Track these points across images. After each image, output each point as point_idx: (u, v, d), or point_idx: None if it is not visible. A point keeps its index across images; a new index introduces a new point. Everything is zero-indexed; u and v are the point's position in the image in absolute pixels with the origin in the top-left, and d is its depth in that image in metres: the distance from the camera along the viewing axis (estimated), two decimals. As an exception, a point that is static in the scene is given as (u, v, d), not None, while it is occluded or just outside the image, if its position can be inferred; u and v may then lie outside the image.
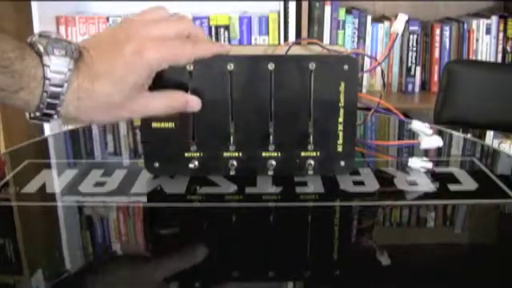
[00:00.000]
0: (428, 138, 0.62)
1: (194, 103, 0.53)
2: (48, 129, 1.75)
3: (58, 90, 0.45)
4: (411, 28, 1.77)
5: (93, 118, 0.48)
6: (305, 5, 1.71)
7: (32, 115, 0.47)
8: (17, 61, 0.43)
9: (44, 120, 0.47)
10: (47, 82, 0.44)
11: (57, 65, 0.44)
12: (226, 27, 1.74)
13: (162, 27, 0.51)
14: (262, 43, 1.73)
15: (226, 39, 1.73)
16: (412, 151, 0.68)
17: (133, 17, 0.53)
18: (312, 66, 0.54)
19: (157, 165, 0.59)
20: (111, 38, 0.49)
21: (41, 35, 0.46)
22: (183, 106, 0.53)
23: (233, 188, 0.57)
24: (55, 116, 0.46)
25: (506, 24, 1.76)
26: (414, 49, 1.79)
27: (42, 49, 0.45)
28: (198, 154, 0.58)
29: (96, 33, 0.54)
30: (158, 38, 0.49)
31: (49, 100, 0.45)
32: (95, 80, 0.46)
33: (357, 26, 1.77)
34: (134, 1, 1.76)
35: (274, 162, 0.57)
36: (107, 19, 1.74)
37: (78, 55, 0.46)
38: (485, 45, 1.78)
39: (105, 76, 0.46)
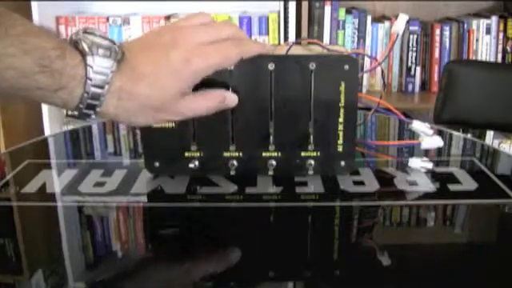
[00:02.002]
0: (428, 138, 0.62)
1: (231, 100, 0.53)
2: (48, 129, 1.75)
3: (99, 91, 0.44)
4: (411, 28, 1.77)
5: (131, 119, 0.48)
6: (305, 5, 1.71)
7: (69, 113, 0.46)
8: (57, 59, 0.42)
9: (81, 118, 0.46)
10: (89, 82, 0.43)
11: (100, 66, 0.44)
12: (226, 27, 1.74)
13: (207, 32, 0.50)
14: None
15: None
16: (412, 151, 0.68)
17: (177, 22, 0.52)
18: (312, 65, 0.54)
19: (157, 164, 0.59)
20: (157, 42, 0.49)
21: (86, 32, 0.45)
22: (222, 105, 0.52)
23: (233, 188, 0.57)
24: (93, 116, 0.46)
25: (506, 24, 1.76)
26: (414, 49, 1.79)
27: (86, 48, 0.44)
28: (198, 154, 0.58)
29: (141, 36, 0.53)
30: (204, 44, 0.49)
31: (89, 101, 0.44)
32: (138, 82, 0.46)
33: (357, 25, 1.77)
34: (134, 1, 1.77)
35: (274, 162, 0.57)
36: (107, 19, 1.74)
37: (121, 56, 0.45)
38: (485, 45, 1.78)
39: (147, 79, 0.46)
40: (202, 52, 0.48)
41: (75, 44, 0.44)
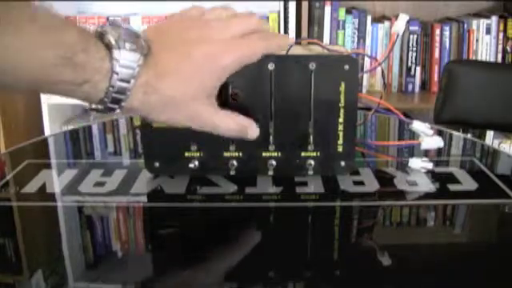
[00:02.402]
0: (429, 138, 0.62)
1: (253, 131, 0.53)
2: (48, 129, 1.75)
3: (125, 85, 0.43)
4: (411, 28, 1.77)
5: (154, 114, 0.47)
6: (305, 5, 1.71)
7: (92, 106, 0.46)
8: (81, 53, 0.41)
9: (105, 112, 0.46)
10: (115, 76, 0.43)
11: (126, 59, 0.43)
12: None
13: (233, 26, 0.50)
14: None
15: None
16: (412, 151, 0.68)
17: (200, 14, 0.51)
18: (312, 65, 0.54)
19: (157, 164, 0.59)
20: (182, 36, 0.48)
21: (111, 24, 0.44)
22: (243, 133, 0.52)
23: (233, 188, 0.57)
24: (117, 110, 0.45)
25: (506, 24, 1.76)
26: (414, 49, 1.79)
27: (113, 41, 0.43)
28: (198, 154, 0.58)
29: (162, 24, 0.52)
30: (231, 38, 0.48)
31: (114, 95, 0.43)
32: (164, 77, 0.45)
33: (357, 25, 1.77)
34: (134, 1, 1.77)
35: (274, 162, 0.57)
36: (107, 19, 1.74)
37: (147, 50, 0.44)
38: (485, 45, 1.78)
39: (173, 75, 0.46)
40: (229, 47, 0.48)
41: (101, 37, 0.44)
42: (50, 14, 0.42)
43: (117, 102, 0.44)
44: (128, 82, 0.43)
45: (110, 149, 0.75)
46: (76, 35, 0.42)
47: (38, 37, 0.40)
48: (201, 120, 0.49)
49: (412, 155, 0.66)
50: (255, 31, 0.50)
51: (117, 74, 0.43)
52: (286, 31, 1.71)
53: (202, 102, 0.48)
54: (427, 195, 0.57)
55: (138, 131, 0.78)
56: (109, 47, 0.43)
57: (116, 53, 0.43)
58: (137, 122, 0.83)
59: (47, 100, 1.74)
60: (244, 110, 0.53)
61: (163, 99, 0.46)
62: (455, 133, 0.79)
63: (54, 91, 0.43)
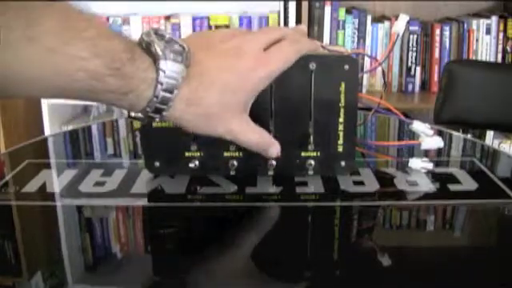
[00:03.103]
0: (429, 138, 0.62)
1: (274, 150, 0.53)
2: (48, 129, 1.75)
3: (169, 95, 0.44)
4: (411, 28, 1.77)
5: (194, 124, 0.48)
6: (305, 5, 1.71)
7: (133, 115, 0.46)
8: (128, 62, 0.42)
9: (144, 121, 0.47)
10: (159, 86, 0.43)
11: (171, 71, 0.43)
12: (226, 27, 1.74)
13: (264, 37, 0.51)
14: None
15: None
16: (412, 151, 0.68)
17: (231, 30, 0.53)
18: (312, 65, 0.54)
19: (157, 164, 0.59)
20: (222, 49, 0.49)
21: (156, 33, 0.44)
22: (265, 150, 0.53)
23: (233, 188, 0.57)
24: (157, 119, 0.46)
25: (506, 24, 1.76)
26: (414, 49, 1.79)
27: (159, 52, 0.43)
28: (198, 154, 0.58)
29: (200, 35, 0.53)
30: (265, 48, 0.49)
31: (157, 105, 0.44)
32: (208, 88, 0.46)
33: (357, 25, 1.77)
34: (134, 1, 1.77)
35: (274, 162, 0.57)
36: (107, 19, 1.74)
37: (189, 62, 0.45)
38: (485, 45, 1.78)
39: (218, 86, 0.46)
40: (265, 60, 0.49)
41: (147, 46, 0.44)
42: (100, 24, 0.42)
43: (158, 111, 0.45)
44: (171, 92, 0.44)
45: (110, 151, 0.75)
46: (123, 46, 0.42)
47: (88, 48, 0.40)
48: (237, 134, 0.50)
49: (412, 155, 0.66)
50: (283, 38, 0.51)
51: (161, 84, 0.43)
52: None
53: (241, 115, 0.49)
54: (427, 195, 0.57)
55: (137, 133, 0.78)
56: (155, 57, 0.43)
57: (163, 63, 0.43)
58: (136, 125, 0.83)
59: (47, 100, 1.74)
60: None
61: (205, 111, 0.46)
62: (455, 133, 0.79)
63: (100, 99, 0.43)
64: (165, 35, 0.45)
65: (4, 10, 0.37)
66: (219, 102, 0.47)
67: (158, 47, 0.43)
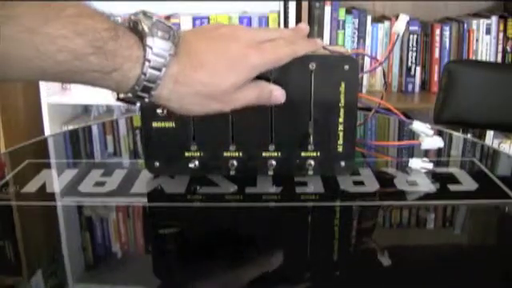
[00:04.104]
0: (429, 138, 0.62)
1: (278, 94, 0.53)
2: (48, 129, 1.75)
3: (157, 73, 0.43)
4: (411, 28, 1.77)
5: (183, 105, 0.47)
6: (305, 5, 1.71)
7: (121, 96, 0.46)
8: (110, 40, 0.41)
9: (133, 102, 0.46)
10: (147, 63, 0.43)
11: (159, 48, 0.43)
12: (226, 27, 1.74)
13: (261, 31, 0.51)
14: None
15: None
16: (412, 152, 0.68)
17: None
18: (312, 66, 0.54)
19: (157, 164, 0.59)
20: (215, 33, 0.49)
21: (145, 14, 0.44)
22: (269, 97, 0.52)
23: (233, 188, 0.57)
24: (146, 99, 0.45)
25: (506, 24, 1.76)
26: (414, 49, 1.79)
27: (146, 29, 0.43)
28: (198, 154, 0.58)
29: (197, 27, 0.54)
30: (262, 41, 0.49)
31: (145, 83, 0.43)
32: (197, 69, 0.46)
33: (357, 26, 1.77)
34: (133, 1, 1.76)
35: (274, 162, 0.57)
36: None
37: (178, 40, 0.45)
38: (485, 45, 1.78)
39: (207, 67, 0.46)
40: (259, 48, 0.49)
41: (134, 24, 0.44)
42: (80, 4, 0.42)
43: (147, 90, 0.44)
44: (159, 70, 0.43)
45: (110, 149, 0.75)
46: (105, 24, 0.42)
47: (68, 27, 0.40)
48: (231, 103, 0.49)
49: (412, 155, 0.66)
50: (282, 37, 0.52)
51: (149, 61, 0.43)
52: (286, 31, 1.70)
53: (231, 93, 0.48)
54: (427, 195, 0.57)
55: (137, 132, 0.78)
56: (142, 35, 0.43)
57: (150, 40, 0.43)
58: (136, 123, 0.83)
59: (47, 100, 1.74)
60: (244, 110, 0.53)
61: (194, 90, 0.46)
62: (455, 133, 0.79)
63: (85, 81, 0.43)
64: (152, 16, 0.44)
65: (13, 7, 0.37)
66: (209, 83, 0.46)
67: (144, 25, 0.43)
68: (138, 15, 0.44)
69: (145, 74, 0.43)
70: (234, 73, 0.47)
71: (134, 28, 0.44)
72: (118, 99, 0.47)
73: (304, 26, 0.57)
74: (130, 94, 0.45)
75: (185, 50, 0.45)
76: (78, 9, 0.41)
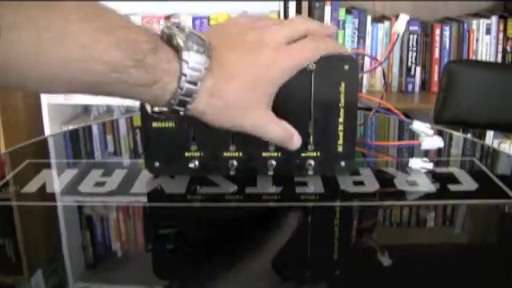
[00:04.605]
0: (429, 138, 0.62)
1: (295, 141, 0.53)
2: (48, 129, 1.75)
3: (193, 87, 0.43)
4: (411, 28, 1.77)
5: (218, 118, 0.47)
6: (305, 5, 1.71)
7: (157, 109, 0.46)
8: (150, 53, 0.41)
9: (169, 114, 0.46)
10: (183, 78, 0.43)
11: (195, 62, 0.43)
12: (226, 27, 1.74)
13: (287, 29, 0.50)
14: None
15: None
16: (412, 151, 0.68)
17: (250, 22, 0.52)
18: (312, 66, 0.54)
19: (157, 164, 0.59)
20: (243, 41, 0.48)
21: (177, 27, 0.44)
22: (288, 141, 0.53)
23: (233, 188, 0.57)
24: (182, 113, 0.45)
25: (506, 24, 1.76)
26: (414, 49, 1.79)
27: (181, 43, 0.43)
28: (198, 154, 0.58)
29: (218, 27, 0.53)
30: (288, 41, 0.49)
31: (181, 97, 0.43)
32: (229, 81, 0.45)
33: (357, 26, 1.77)
34: (134, 1, 1.77)
35: (274, 162, 0.57)
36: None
37: (211, 53, 0.45)
38: (485, 45, 1.78)
39: (239, 78, 0.46)
40: (288, 52, 0.49)
41: (168, 38, 0.44)
42: (119, 16, 0.42)
43: (183, 104, 0.44)
44: (195, 84, 0.43)
45: (110, 149, 0.75)
46: (145, 37, 0.42)
47: (108, 39, 0.39)
48: (260, 127, 0.50)
49: (412, 155, 0.66)
50: (308, 32, 0.51)
51: (185, 75, 0.43)
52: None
53: (264, 108, 0.49)
54: (427, 195, 0.57)
55: (137, 131, 0.78)
56: (177, 49, 0.43)
57: (185, 54, 0.43)
58: (136, 123, 0.83)
59: (47, 100, 1.74)
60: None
61: (227, 104, 0.46)
62: (455, 133, 0.79)
63: (123, 94, 0.43)
64: (185, 28, 0.44)
65: (39, 9, 0.36)
66: (240, 95, 0.46)
67: (179, 39, 0.43)
68: (172, 29, 0.44)
69: (181, 89, 0.43)
70: (265, 82, 0.47)
71: (169, 42, 0.44)
72: (153, 112, 0.47)
73: (333, 27, 0.57)
74: (165, 108, 0.45)
75: (217, 61, 0.45)
76: (120, 21, 0.41)
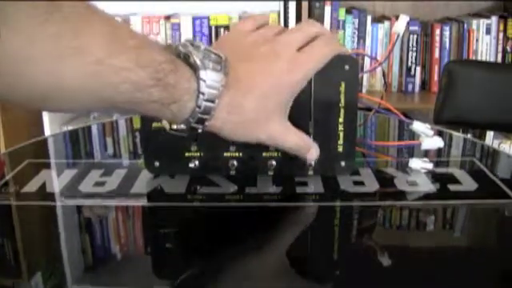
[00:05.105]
0: (429, 138, 0.62)
1: (313, 153, 0.54)
2: (48, 129, 1.75)
3: (211, 105, 0.44)
4: (411, 28, 1.77)
5: (235, 133, 0.48)
6: (305, 5, 1.71)
7: (175, 127, 0.47)
8: (170, 73, 0.41)
9: (185, 133, 0.46)
10: (201, 96, 0.43)
11: (212, 80, 0.43)
12: (226, 27, 1.74)
13: (298, 36, 0.51)
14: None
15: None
16: (412, 152, 0.68)
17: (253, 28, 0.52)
18: (312, 66, 0.54)
19: (157, 164, 0.59)
20: (255, 53, 0.49)
21: (192, 44, 0.44)
22: (305, 152, 0.53)
23: (233, 188, 0.57)
24: (200, 130, 0.45)
25: (506, 24, 1.76)
26: (414, 49, 1.79)
27: (198, 62, 0.43)
28: (198, 154, 0.58)
29: (227, 39, 0.53)
30: (297, 51, 0.49)
31: (200, 115, 0.44)
32: (246, 94, 0.46)
33: (357, 26, 1.77)
34: (134, 1, 1.77)
35: (274, 162, 0.57)
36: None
37: (228, 70, 0.45)
38: (485, 45, 1.78)
39: (255, 92, 0.46)
40: (300, 61, 0.49)
41: (185, 56, 0.44)
42: (139, 34, 0.42)
43: (201, 121, 0.44)
44: (213, 101, 0.44)
45: (110, 149, 0.75)
46: (165, 56, 0.42)
47: (132, 58, 0.39)
48: (277, 138, 0.50)
49: (412, 155, 0.66)
50: (317, 36, 0.52)
51: (203, 94, 0.43)
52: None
53: (280, 118, 0.49)
54: (427, 195, 0.57)
55: (137, 134, 0.78)
56: (194, 67, 0.43)
57: (202, 73, 0.43)
58: (136, 124, 0.83)
59: (47, 100, 1.73)
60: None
61: (244, 118, 0.46)
62: (455, 133, 0.79)
63: (141, 112, 0.43)
64: (200, 46, 0.44)
65: (52, 19, 0.36)
66: (257, 108, 0.47)
67: (196, 58, 0.43)
68: (188, 47, 0.44)
69: (199, 107, 0.43)
70: (280, 93, 0.48)
71: (186, 60, 0.44)
72: (171, 129, 0.48)
73: (338, 34, 0.58)
74: (183, 126, 0.45)
75: (233, 77, 0.45)
76: (140, 40, 0.41)
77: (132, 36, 0.41)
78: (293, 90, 0.49)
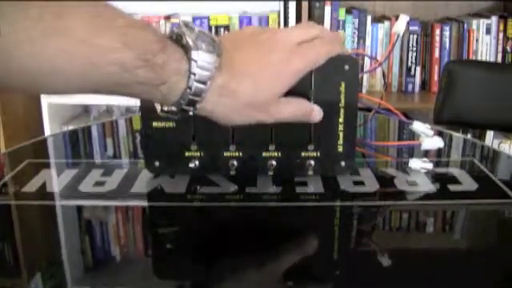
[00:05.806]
0: (429, 138, 0.62)
1: (316, 114, 0.53)
2: (48, 129, 1.75)
3: (202, 86, 0.43)
4: (411, 28, 1.77)
5: (227, 117, 0.47)
6: (305, 5, 1.71)
7: (166, 109, 0.46)
8: (159, 53, 0.41)
9: (177, 115, 0.46)
10: (192, 77, 0.42)
11: (204, 61, 0.43)
12: (226, 27, 1.74)
13: (299, 32, 0.51)
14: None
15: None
16: (412, 152, 0.68)
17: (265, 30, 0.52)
18: (312, 66, 0.54)
19: (157, 164, 0.59)
20: (254, 41, 0.49)
21: (186, 26, 0.44)
22: (308, 116, 0.52)
23: (233, 188, 0.57)
24: (191, 112, 0.45)
25: (506, 24, 1.76)
26: (414, 49, 1.79)
27: (191, 42, 0.43)
28: (198, 154, 0.58)
29: (230, 33, 0.53)
30: (299, 43, 0.49)
31: (191, 96, 0.43)
32: (242, 80, 0.45)
33: (357, 26, 1.77)
34: (134, 1, 1.77)
35: (274, 162, 0.57)
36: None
37: (221, 52, 0.44)
38: (485, 45, 1.78)
39: (252, 78, 0.46)
40: (299, 52, 0.49)
41: (178, 37, 0.44)
42: (127, 15, 0.41)
43: (192, 103, 0.44)
44: (204, 83, 0.43)
45: (110, 149, 0.75)
46: (154, 36, 0.41)
47: (118, 38, 0.39)
48: (271, 116, 0.49)
49: (412, 155, 0.66)
50: (316, 37, 0.51)
51: (194, 74, 0.43)
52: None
53: (273, 103, 0.48)
54: (427, 195, 0.57)
55: (137, 134, 0.78)
56: (186, 48, 0.43)
57: (194, 54, 0.42)
58: (136, 125, 0.83)
59: (47, 100, 1.74)
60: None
61: (238, 102, 0.46)
62: (455, 133, 0.79)
63: (130, 94, 0.42)
64: (194, 28, 0.44)
65: (33, 3, 0.36)
66: (253, 94, 0.46)
67: (189, 38, 0.43)
68: (182, 28, 0.44)
69: (190, 88, 0.43)
70: (278, 81, 0.47)
71: (178, 41, 0.44)
72: (162, 111, 0.47)
73: (342, 34, 0.57)
74: (173, 108, 0.45)
75: (227, 61, 0.45)
76: (127, 20, 0.40)
77: (120, 16, 0.40)
78: (290, 80, 0.49)
